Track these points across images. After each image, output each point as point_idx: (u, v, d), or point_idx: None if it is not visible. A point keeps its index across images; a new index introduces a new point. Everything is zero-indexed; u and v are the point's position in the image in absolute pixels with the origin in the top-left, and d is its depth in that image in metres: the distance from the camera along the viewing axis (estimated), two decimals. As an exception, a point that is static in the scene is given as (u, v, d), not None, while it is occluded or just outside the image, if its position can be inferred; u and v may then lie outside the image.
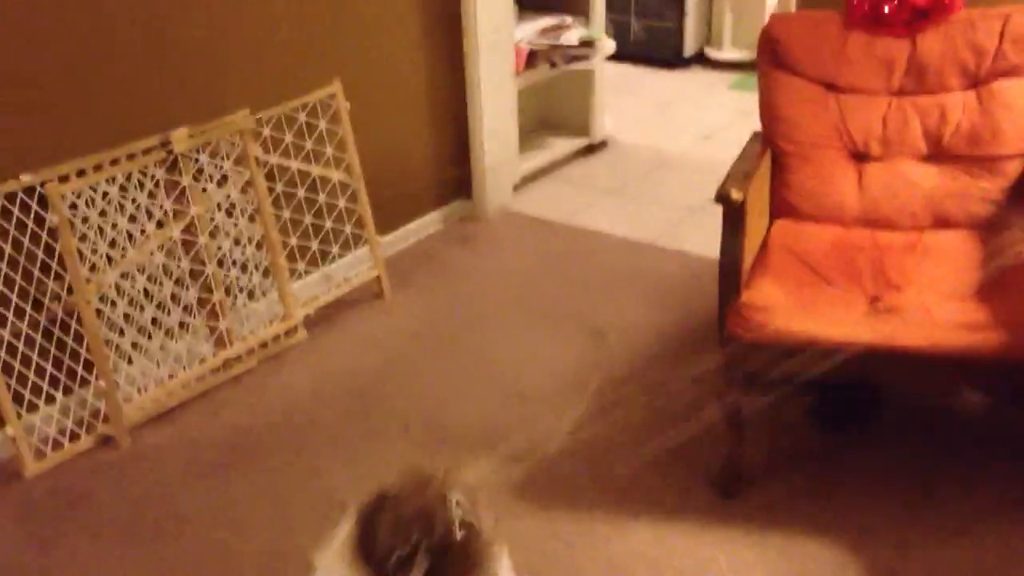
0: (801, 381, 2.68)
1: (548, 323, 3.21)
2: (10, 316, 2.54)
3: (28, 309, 2.58)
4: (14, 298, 2.55)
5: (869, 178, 2.73)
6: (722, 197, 2.38)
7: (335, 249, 3.34)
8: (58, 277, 2.60)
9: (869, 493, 2.41)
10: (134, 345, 2.77)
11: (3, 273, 2.52)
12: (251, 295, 3.07)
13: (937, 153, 2.69)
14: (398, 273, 3.48)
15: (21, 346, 2.57)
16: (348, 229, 3.34)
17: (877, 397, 2.73)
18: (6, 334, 2.54)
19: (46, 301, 2.60)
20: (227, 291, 2.98)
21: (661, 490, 2.47)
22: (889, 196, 2.70)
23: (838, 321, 2.28)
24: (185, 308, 2.88)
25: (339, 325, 3.22)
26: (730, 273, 2.41)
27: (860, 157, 2.76)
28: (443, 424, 2.75)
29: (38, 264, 2.58)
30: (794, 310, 2.32)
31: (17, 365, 2.57)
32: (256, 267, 3.05)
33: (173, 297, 2.85)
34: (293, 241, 3.19)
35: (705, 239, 3.61)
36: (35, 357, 2.61)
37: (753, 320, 2.29)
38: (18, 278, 2.55)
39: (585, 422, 2.74)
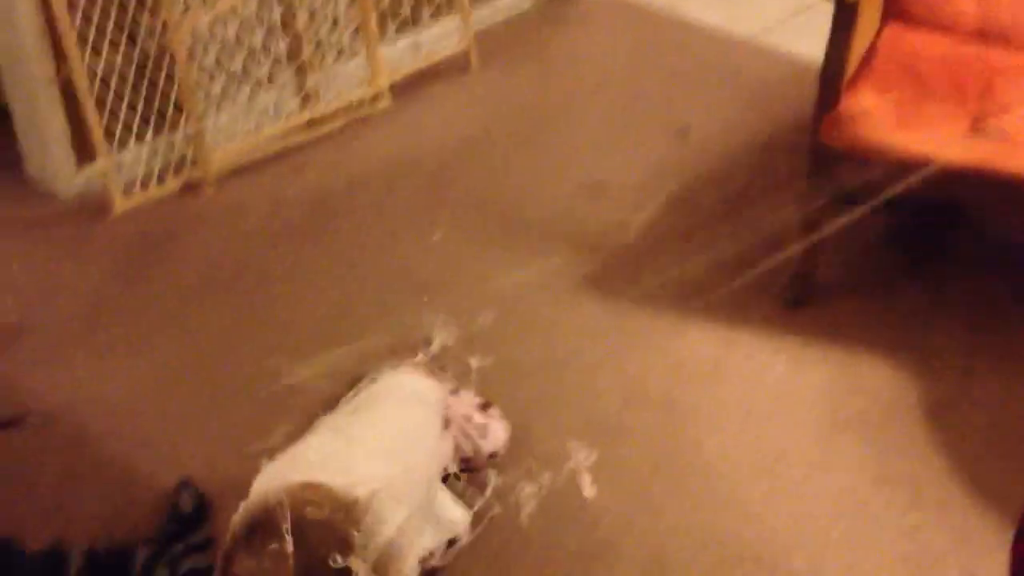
0: (886, 200, 2.62)
1: (633, 115, 3.14)
2: (104, 50, 2.55)
3: (123, 45, 2.59)
4: (109, 32, 2.55)
5: (995, -13, 2.56)
6: (837, -6, 2.26)
7: (426, 16, 3.25)
8: (154, 12, 2.59)
9: (940, 320, 2.39)
10: (224, 93, 2.78)
11: (99, 6, 2.51)
12: (340, 55, 3.03)
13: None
14: (486, 48, 3.39)
15: (115, 82, 2.60)
16: (441, -5, 3.25)
17: (959, 226, 2.67)
18: (100, 69, 2.56)
19: (141, 36, 2.61)
20: (317, 47, 2.95)
21: (729, 294, 2.47)
22: (1013, 8, 2.53)
23: (936, 138, 2.21)
24: (275, 60, 2.87)
25: (423, 96, 3.19)
26: (832, 77, 2.31)
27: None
28: (518, 207, 2.76)
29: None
30: (893, 123, 2.24)
31: (110, 102, 2.60)
32: (346, 26, 3.00)
33: (264, 47, 2.83)
34: (385, 2, 3.11)
35: (811, 42, 3.44)
36: (128, 95, 2.64)
37: (849, 129, 2.23)
38: (114, 11, 2.54)
39: (660, 219, 2.73)
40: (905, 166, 2.19)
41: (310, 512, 1.65)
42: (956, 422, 2.13)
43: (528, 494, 1.98)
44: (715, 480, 2.03)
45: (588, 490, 2.00)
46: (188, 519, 1.85)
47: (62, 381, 2.20)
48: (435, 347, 2.29)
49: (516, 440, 2.09)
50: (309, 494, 1.66)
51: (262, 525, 1.65)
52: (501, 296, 2.46)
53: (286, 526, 1.63)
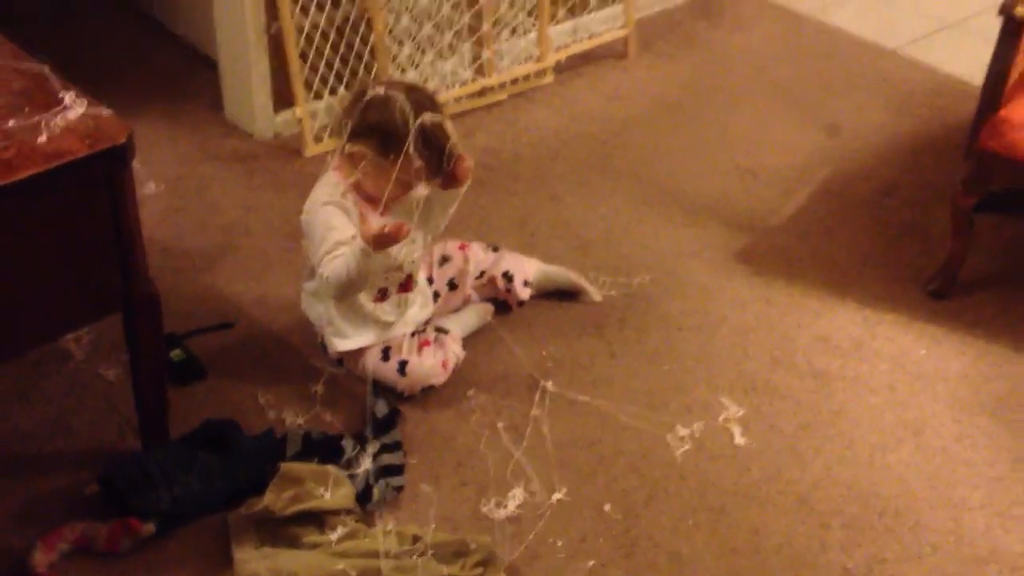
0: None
1: (784, 109, 3.30)
2: (312, 10, 2.80)
3: (328, 6, 2.82)
4: (315, -6, 2.79)
5: None
6: (1005, 10, 2.39)
7: (593, 1, 3.44)
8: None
9: (1077, 321, 2.51)
10: (409, 58, 3.00)
11: (310, -31, 2.75)
12: (513, 32, 3.24)
13: None
14: (642, 37, 3.57)
15: (317, 39, 2.83)
16: (608, -16, 3.44)
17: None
18: (306, 27, 2.79)
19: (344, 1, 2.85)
20: (494, 23, 3.15)
21: (875, 280, 2.62)
22: None
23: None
24: (456, 32, 3.08)
25: (584, 76, 3.38)
26: (995, 86, 2.45)
27: None
28: (673, 183, 2.93)
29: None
30: (1051, 133, 2.36)
31: (311, 56, 2.84)
32: (523, 6, 3.21)
33: (448, 20, 3.05)
34: (558, -14, 3.31)
35: (953, 56, 3.56)
36: (327, 51, 2.88)
37: (1008, 136, 2.35)
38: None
39: (810, 206, 2.88)
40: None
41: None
42: (1091, 415, 2.25)
43: (682, 436, 2.16)
44: (858, 443, 2.17)
45: (739, 439, 2.17)
46: (382, 422, 2.06)
47: (264, 294, 2.43)
48: (594, 298, 2.49)
49: (671, 387, 2.27)
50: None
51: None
52: (658, 260, 2.64)
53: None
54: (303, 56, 2.83)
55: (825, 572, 1.91)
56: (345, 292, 2.05)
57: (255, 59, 2.82)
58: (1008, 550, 1.97)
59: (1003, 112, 2.40)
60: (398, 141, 1.96)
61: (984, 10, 2.44)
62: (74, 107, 1.58)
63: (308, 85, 2.88)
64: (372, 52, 2.93)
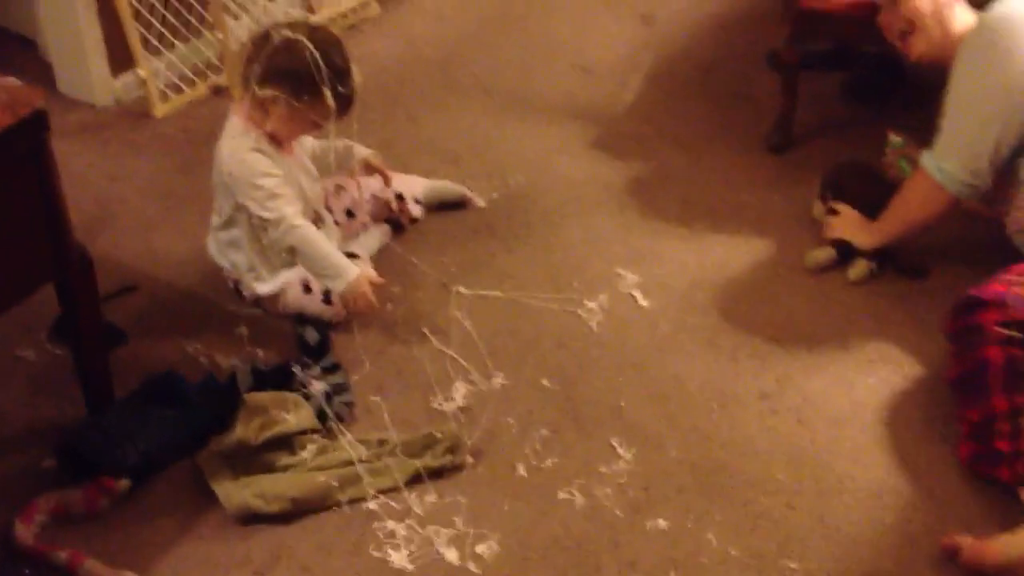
0: (843, 56, 3.05)
1: (598, 6, 3.47)
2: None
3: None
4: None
5: None
6: None
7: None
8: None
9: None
10: (240, 4, 2.99)
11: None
12: (333, -33, 3.27)
13: None
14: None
15: (147, -4, 2.79)
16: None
17: (902, 78, 3.10)
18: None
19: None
20: (314, -39, 3.18)
21: (721, 146, 2.85)
22: None
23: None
24: (280, -26, 3.09)
25: (407, 2, 3.45)
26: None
27: None
28: (518, 89, 3.07)
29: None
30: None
31: (145, 13, 2.80)
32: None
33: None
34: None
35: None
36: (160, 7, 2.83)
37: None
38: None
39: (644, 91, 3.08)
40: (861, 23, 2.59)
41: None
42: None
43: (592, 308, 2.33)
44: (748, 284, 2.41)
45: (642, 301, 2.36)
46: (315, 349, 2.13)
47: (156, 254, 2.43)
48: (479, 203, 2.61)
49: (570, 269, 2.43)
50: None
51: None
52: (526, 160, 2.78)
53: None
54: (136, 14, 2.78)
55: (744, 398, 2.13)
56: (287, 251, 2.16)
57: (86, 23, 2.74)
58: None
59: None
60: (311, 84, 2.01)
61: None
62: (-20, 81, 1.55)
63: (145, 43, 2.83)
64: (204, 2, 2.91)
